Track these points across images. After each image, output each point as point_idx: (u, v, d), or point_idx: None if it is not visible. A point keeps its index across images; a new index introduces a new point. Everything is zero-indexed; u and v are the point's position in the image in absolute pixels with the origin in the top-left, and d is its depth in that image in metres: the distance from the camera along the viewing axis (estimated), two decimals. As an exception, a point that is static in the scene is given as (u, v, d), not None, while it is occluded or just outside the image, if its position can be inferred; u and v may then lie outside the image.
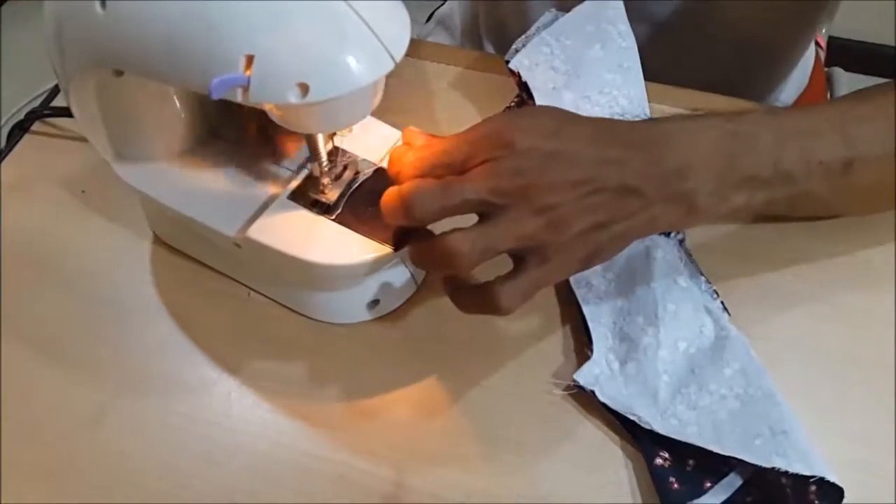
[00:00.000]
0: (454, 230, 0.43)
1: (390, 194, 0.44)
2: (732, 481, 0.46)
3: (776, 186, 0.48)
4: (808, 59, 0.84)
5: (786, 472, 0.43)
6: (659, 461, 0.46)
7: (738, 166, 0.47)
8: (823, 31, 0.92)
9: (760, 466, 0.44)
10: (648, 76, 0.61)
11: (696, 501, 0.45)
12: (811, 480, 0.43)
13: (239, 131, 0.52)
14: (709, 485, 0.45)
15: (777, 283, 0.54)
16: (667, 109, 0.63)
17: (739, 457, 0.44)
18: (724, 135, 0.47)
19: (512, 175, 0.43)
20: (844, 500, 0.44)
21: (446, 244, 0.43)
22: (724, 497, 0.45)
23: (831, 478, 0.43)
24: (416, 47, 0.41)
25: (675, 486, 0.45)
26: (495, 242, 0.43)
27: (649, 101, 0.61)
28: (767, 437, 0.45)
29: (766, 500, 0.45)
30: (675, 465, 0.46)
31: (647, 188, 0.45)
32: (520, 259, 0.45)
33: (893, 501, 0.46)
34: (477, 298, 0.46)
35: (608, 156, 0.45)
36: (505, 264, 0.45)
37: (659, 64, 0.62)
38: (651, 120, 0.54)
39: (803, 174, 0.48)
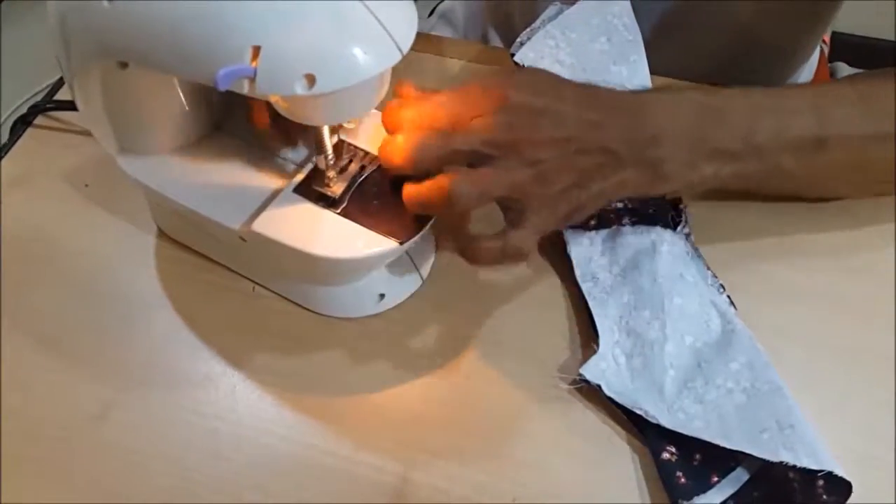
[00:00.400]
0: (452, 170, 0.45)
1: (388, 141, 0.46)
2: (739, 476, 0.46)
3: (746, 160, 0.50)
4: (813, 56, 0.83)
5: (793, 467, 0.43)
6: (666, 455, 0.46)
7: (709, 137, 0.49)
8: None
9: (767, 461, 0.43)
10: (653, 72, 0.61)
11: (702, 496, 0.45)
12: (819, 475, 0.43)
13: (244, 124, 0.52)
14: (716, 479, 0.45)
15: (781, 277, 0.54)
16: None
17: (747, 451, 0.44)
18: (698, 107, 0.50)
19: (504, 129, 0.45)
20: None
21: (447, 184, 0.44)
22: (730, 492, 0.45)
23: (839, 472, 0.42)
24: (420, 41, 0.41)
25: (682, 480, 0.45)
26: (490, 187, 0.45)
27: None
28: (775, 430, 0.44)
29: (774, 494, 0.45)
30: (682, 459, 0.46)
31: (623, 151, 0.47)
32: (513, 210, 0.47)
33: (895, 495, 0.46)
34: (493, 248, 0.47)
35: (591, 118, 0.47)
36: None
37: (663, 61, 0.62)
38: (634, 91, 0.56)
39: (774, 149, 0.50)
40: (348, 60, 0.38)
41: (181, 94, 0.50)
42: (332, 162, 0.48)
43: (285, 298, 0.54)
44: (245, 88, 0.38)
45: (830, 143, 0.50)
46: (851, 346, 0.51)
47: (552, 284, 0.54)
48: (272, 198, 0.49)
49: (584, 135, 0.46)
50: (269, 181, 0.50)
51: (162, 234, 0.57)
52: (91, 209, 0.59)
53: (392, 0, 0.40)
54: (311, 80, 0.38)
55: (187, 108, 0.50)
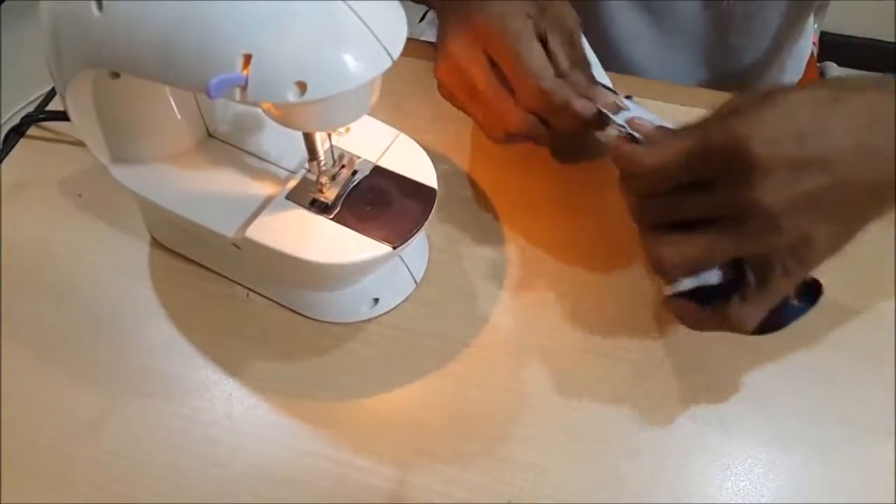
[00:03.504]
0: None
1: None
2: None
3: None
4: (804, 47, 0.84)
5: None
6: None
7: None
8: (816, 26, 0.92)
9: None
10: (647, 71, 0.61)
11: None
12: None
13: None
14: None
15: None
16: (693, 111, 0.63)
17: None
18: None
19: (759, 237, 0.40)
20: (846, 494, 0.44)
21: (729, 314, 0.42)
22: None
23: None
24: (410, 46, 0.42)
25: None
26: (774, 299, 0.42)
27: (661, 101, 0.61)
28: None
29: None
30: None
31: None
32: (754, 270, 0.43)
33: (894, 495, 0.46)
34: (713, 319, 0.45)
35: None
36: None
37: (652, 54, 0.63)
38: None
39: None
40: (339, 67, 0.38)
41: (173, 103, 0.50)
42: (324, 168, 0.48)
43: (280, 304, 0.54)
44: (237, 97, 0.38)
45: None
46: (852, 346, 0.52)
47: (547, 285, 0.54)
48: (265, 204, 0.49)
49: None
50: (261, 188, 0.50)
51: (155, 242, 0.57)
52: (84, 219, 0.59)
53: (382, 6, 0.40)
54: (302, 87, 0.38)
55: (179, 116, 0.51)
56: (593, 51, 0.56)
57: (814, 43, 0.91)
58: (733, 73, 0.76)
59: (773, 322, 0.42)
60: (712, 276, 0.44)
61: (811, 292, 0.42)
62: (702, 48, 0.74)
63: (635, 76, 0.72)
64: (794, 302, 0.41)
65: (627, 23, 0.72)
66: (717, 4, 0.69)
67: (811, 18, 0.81)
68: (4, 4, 1.61)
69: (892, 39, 1.50)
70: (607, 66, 0.56)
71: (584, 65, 0.53)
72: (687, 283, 0.44)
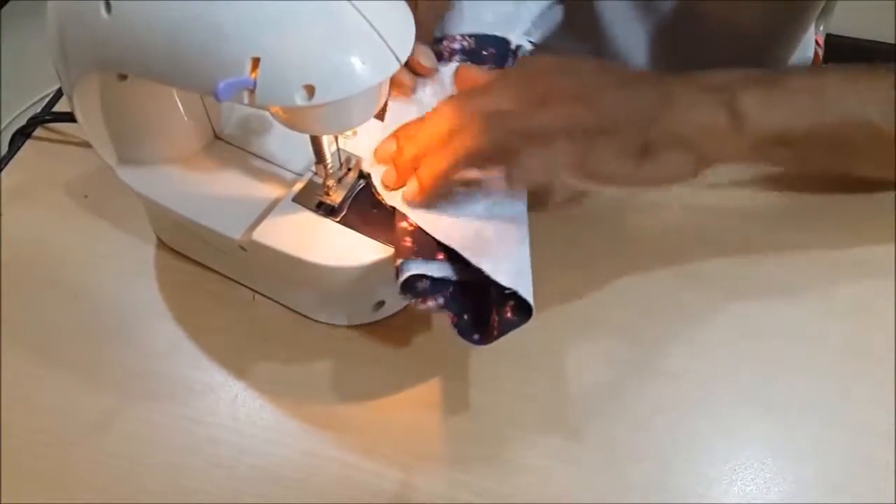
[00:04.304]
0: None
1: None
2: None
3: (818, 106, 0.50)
4: (805, 60, 0.84)
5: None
6: (404, 224, 0.46)
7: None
8: (822, 28, 0.92)
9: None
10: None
11: (423, 263, 0.45)
12: (507, 292, 0.43)
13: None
14: (441, 257, 0.45)
15: (781, 281, 0.55)
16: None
17: (453, 245, 0.45)
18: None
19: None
20: (850, 495, 0.44)
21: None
22: (450, 274, 0.45)
23: (529, 299, 0.43)
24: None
25: (409, 244, 0.45)
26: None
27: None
28: (491, 241, 0.45)
29: (477, 292, 0.45)
30: (420, 231, 0.46)
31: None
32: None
33: (894, 495, 0.46)
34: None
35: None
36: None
37: (653, 65, 0.63)
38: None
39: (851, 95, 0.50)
40: (347, 71, 0.38)
41: (180, 105, 0.50)
42: (331, 171, 0.48)
43: (285, 307, 0.54)
44: (245, 100, 0.38)
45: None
46: (851, 346, 0.52)
47: (553, 289, 0.54)
48: (272, 207, 0.49)
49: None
50: (268, 190, 0.50)
51: (161, 244, 0.57)
52: (90, 220, 0.59)
53: (390, 9, 0.41)
54: (310, 90, 0.38)
55: (186, 118, 0.51)
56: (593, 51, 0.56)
57: (818, 44, 0.91)
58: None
59: (492, 334, 0.44)
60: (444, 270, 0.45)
61: (525, 309, 0.44)
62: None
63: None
64: (510, 316, 0.44)
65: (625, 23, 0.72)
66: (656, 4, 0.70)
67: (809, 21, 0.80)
68: (8, 5, 1.61)
69: (897, 42, 1.49)
70: None
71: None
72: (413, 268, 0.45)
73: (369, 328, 0.53)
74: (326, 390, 0.51)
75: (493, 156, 0.45)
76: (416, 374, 0.51)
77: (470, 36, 0.55)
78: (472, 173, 0.47)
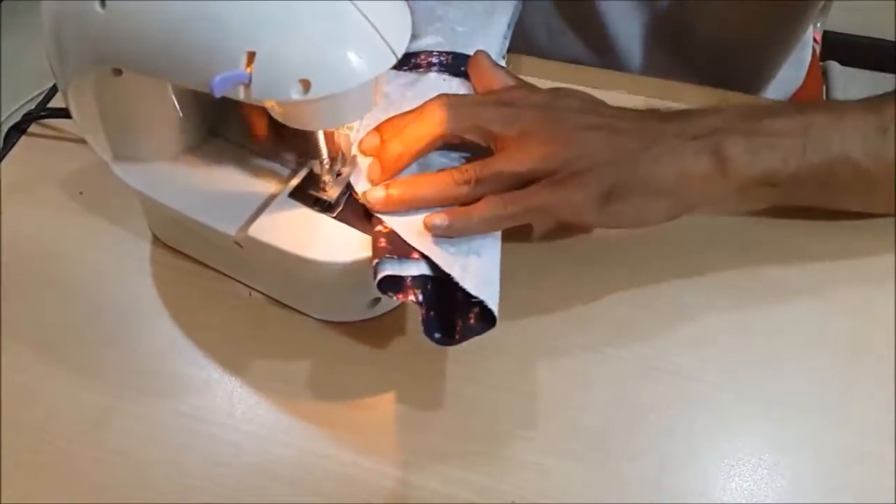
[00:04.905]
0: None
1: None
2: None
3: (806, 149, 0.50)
4: (803, 57, 0.84)
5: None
6: (380, 227, 0.47)
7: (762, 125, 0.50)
8: (818, 25, 0.92)
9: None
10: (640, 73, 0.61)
11: (397, 263, 0.45)
12: (474, 301, 0.44)
13: (239, 129, 0.52)
14: (416, 256, 0.46)
15: (780, 279, 0.55)
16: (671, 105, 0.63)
17: (425, 252, 0.45)
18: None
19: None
20: (849, 494, 0.44)
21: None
22: (425, 272, 0.46)
23: (494, 310, 0.44)
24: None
25: (383, 244, 0.46)
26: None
27: (647, 97, 0.61)
28: (462, 251, 0.46)
29: (446, 294, 0.46)
30: (393, 233, 0.46)
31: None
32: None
33: (894, 495, 0.46)
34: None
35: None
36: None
37: (648, 61, 0.63)
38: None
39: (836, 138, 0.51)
40: (343, 65, 0.38)
41: (175, 101, 0.50)
42: (327, 166, 0.48)
43: (282, 303, 0.54)
44: (241, 94, 0.38)
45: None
46: (851, 345, 0.52)
47: (553, 285, 0.54)
48: (268, 203, 0.49)
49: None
50: (264, 186, 0.50)
51: (157, 240, 0.57)
52: (86, 217, 0.59)
53: (386, 3, 0.40)
54: (306, 85, 0.38)
55: (181, 114, 0.50)
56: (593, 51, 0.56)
57: (816, 41, 0.91)
58: (726, 73, 0.76)
59: (454, 336, 0.45)
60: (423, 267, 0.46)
61: (488, 319, 0.45)
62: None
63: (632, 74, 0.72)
64: (473, 322, 0.45)
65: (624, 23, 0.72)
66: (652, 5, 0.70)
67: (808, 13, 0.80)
68: (3, 3, 1.61)
69: None
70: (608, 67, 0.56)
71: None
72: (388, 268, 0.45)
73: (366, 325, 0.53)
74: (323, 387, 0.50)
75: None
76: (413, 370, 0.51)
77: (448, 53, 0.56)
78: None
